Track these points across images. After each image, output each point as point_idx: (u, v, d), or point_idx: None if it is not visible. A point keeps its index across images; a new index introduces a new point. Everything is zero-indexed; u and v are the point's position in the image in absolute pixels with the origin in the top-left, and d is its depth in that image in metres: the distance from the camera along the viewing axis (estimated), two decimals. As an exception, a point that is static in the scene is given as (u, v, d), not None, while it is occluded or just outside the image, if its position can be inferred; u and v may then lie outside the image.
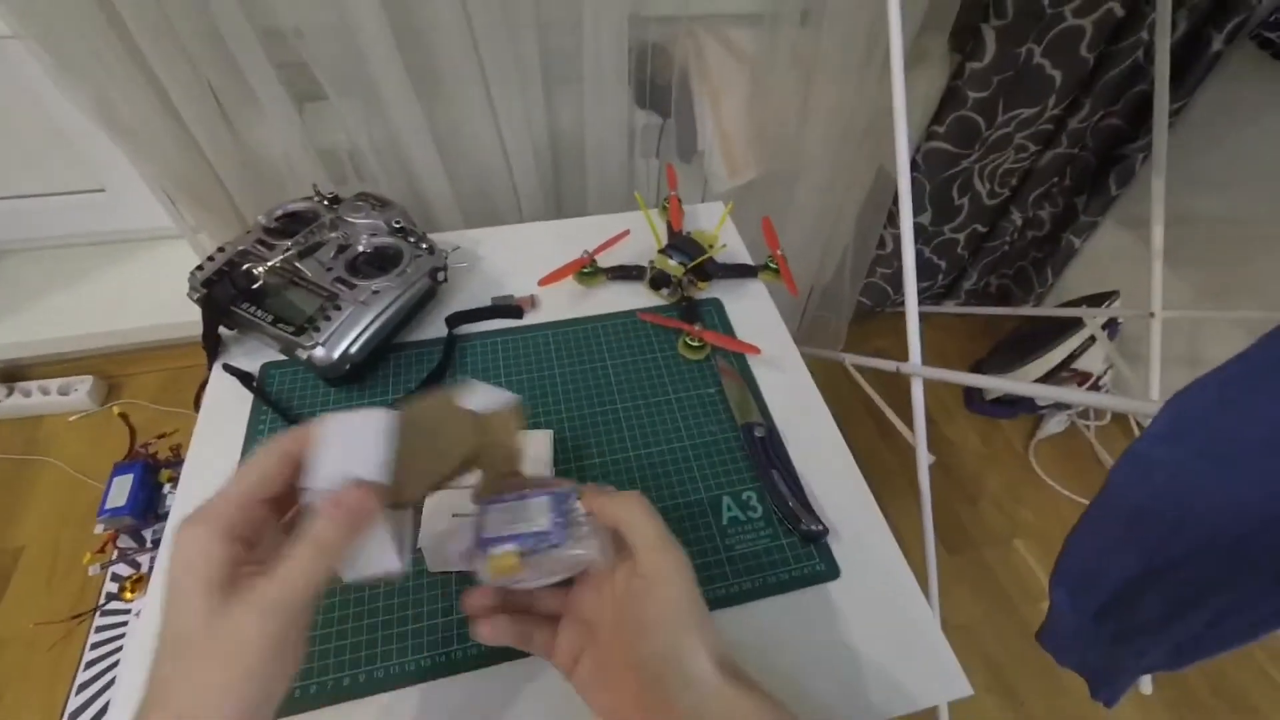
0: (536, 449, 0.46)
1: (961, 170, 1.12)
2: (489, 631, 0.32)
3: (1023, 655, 1.00)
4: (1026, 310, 1.28)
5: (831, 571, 0.46)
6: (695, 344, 0.57)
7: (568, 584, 0.34)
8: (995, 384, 0.65)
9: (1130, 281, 1.11)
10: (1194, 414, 0.37)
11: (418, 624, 0.41)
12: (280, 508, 0.29)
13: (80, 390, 1.09)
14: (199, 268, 0.54)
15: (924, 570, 0.79)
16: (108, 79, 0.63)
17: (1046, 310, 1.21)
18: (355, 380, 0.54)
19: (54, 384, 1.09)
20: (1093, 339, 1.09)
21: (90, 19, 0.58)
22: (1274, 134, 0.98)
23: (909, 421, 0.76)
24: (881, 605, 0.44)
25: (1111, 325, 1.13)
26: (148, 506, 0.80)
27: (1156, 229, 0.87)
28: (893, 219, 1.19)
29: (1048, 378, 1.14)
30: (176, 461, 0.86)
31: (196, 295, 0.53)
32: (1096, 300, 1.13)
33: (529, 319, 0.61)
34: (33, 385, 1.09)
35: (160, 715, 0.23)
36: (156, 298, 1.08)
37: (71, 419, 1.09)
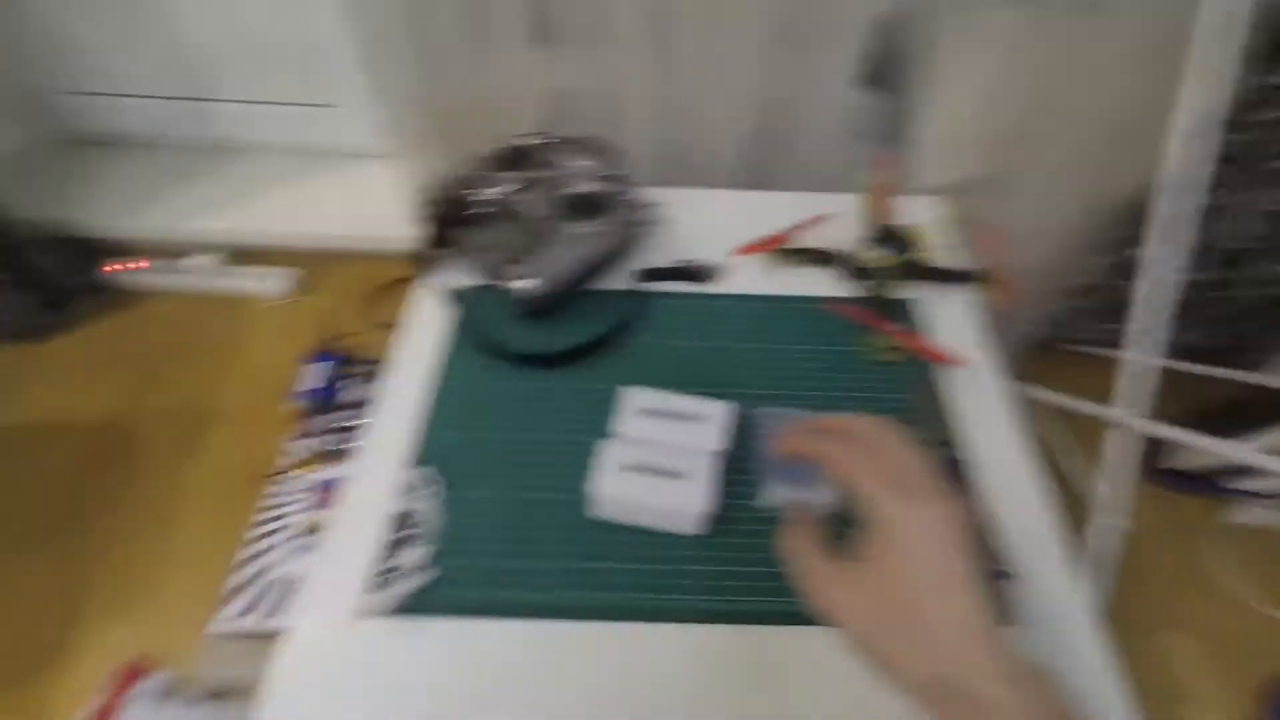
0: (713, 421, 0.45)
1: (1217, 200, 0.95)
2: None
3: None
4: (1262, 377, 1.08)
5: (1008, 617, 0.41)
6: (889, 345, 0.53)
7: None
8: (1225, 450, 0.54)
9: None
10: None
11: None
12: None
13: (282, 280, 1.23)
14: (428, 187, 0.58)
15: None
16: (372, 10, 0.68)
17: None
18: (546, 315, 0.56)
19: (262, 271, 1.24)
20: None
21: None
22: None
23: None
24: (1062, 663, 0.40)
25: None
26: (329, 396, 0.89)
27: None
28: (1117, 246, 1.04)
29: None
30: (356, 360, 0.96)
31: (422, 214, 0.57)
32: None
33: (714, 286, 0.60)
34: (246, 270, 1.25)
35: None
36: (360, 211, 1.20)
37: (271, 305, 1.24)
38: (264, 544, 0.77)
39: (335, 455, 0.89)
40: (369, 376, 0.99)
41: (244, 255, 1.29)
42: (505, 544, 0.43)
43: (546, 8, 0.70)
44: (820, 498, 0.44)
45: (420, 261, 0.59)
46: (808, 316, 0.57)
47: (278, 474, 0.81)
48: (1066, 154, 0.81)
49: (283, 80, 1.17)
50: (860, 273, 0.58)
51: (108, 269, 1.21)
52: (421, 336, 0.55)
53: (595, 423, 0.49)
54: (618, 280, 0.59)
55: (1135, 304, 0.60)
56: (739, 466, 0.47)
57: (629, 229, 0.58)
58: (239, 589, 0.73)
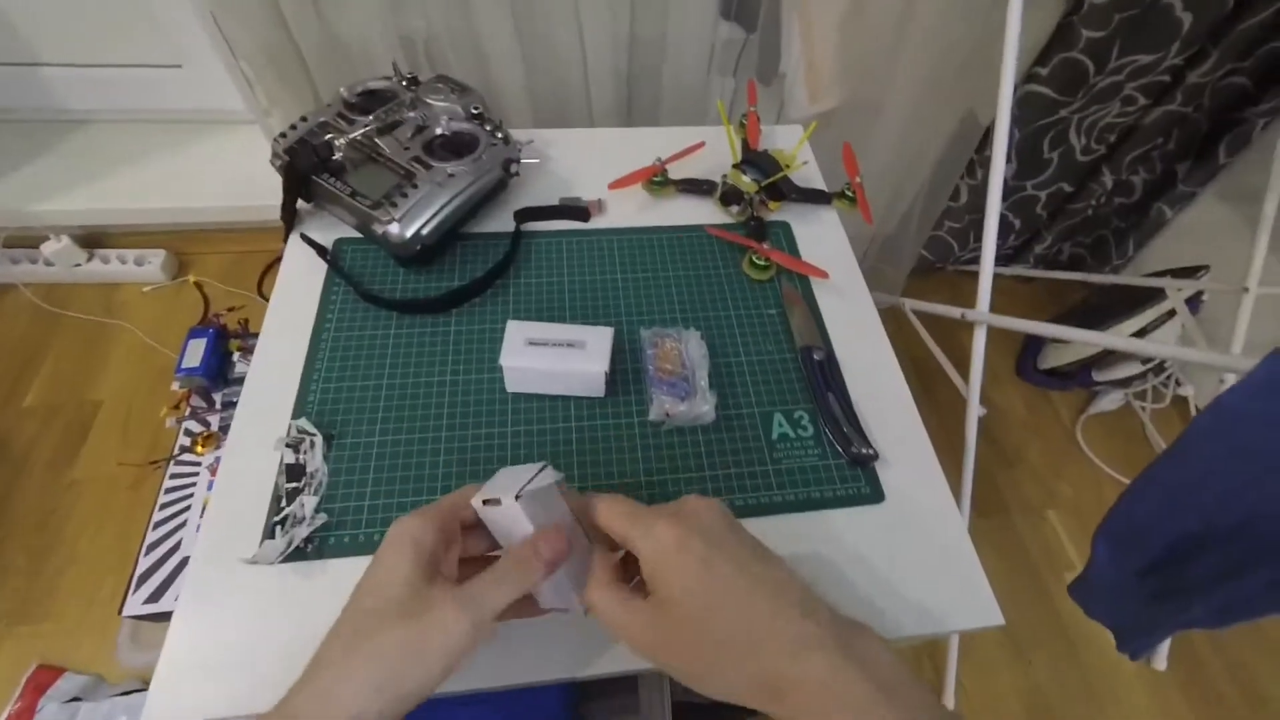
0: (597, 345, 0.47)
1: (1058, 120, 1.04)
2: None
3: (1038, 621, 1.01)
4: (1106, 278, 1.20)
5: (876, 495, 0.46)
6: (761, 263, 0.56)
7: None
8: (1072, 335, 0.62)
9: (1222, 259, 1.03)
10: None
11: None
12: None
13: (154, 263, 1.14)
14: (282, 135, 0.55)
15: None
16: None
17: (1127, 279, 1.14)
18: (425, 262, 0.55)
19: (130, 254, 1.15)
20: (1171, 313, 1.04)
21: None
22: None
23: (964, 373, 0.74)
24: (922, 532, 0.45)
25: (1195, 300, 1.07)
26: (219, 371, 0.85)
27: (1271, 199, 0.80)
28: (972, 169, 1.13)
29: (1117, 352, 1.10)
30: (244, 334, 0.91)
31: (279, 161, 0.54)
32: (1183, 274, 1.06)
33: (595, 222, 0.60)
34: (111, 253, 1.15)
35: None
36: (227, 180, 1.11)
37: (145, 289, 1.15)
38: (170, 526, 0.74)
39: (234, 433, 0.85)
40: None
41: (109, 238, 1.18)
42: (394, 484, 0.44)
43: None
44: (699, 408, 0.48)
45: (287, 214, 0.57)
46: (685, 243, 0.59)
47: (175, 456, 0.78)
48: (921, 81, 0.86)
49: (125, 40, 1.06)
50: (730, 198, 0.60)
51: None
52: (295, 295, 0.54)
53: (481, 361, 0.50)
54: (496, 221, 0.59)
55: (987, 217, 0.66)
56: (625, 387, 0.49)
57: (503, 168, 0.57)
58: (148, 573, 0.70)
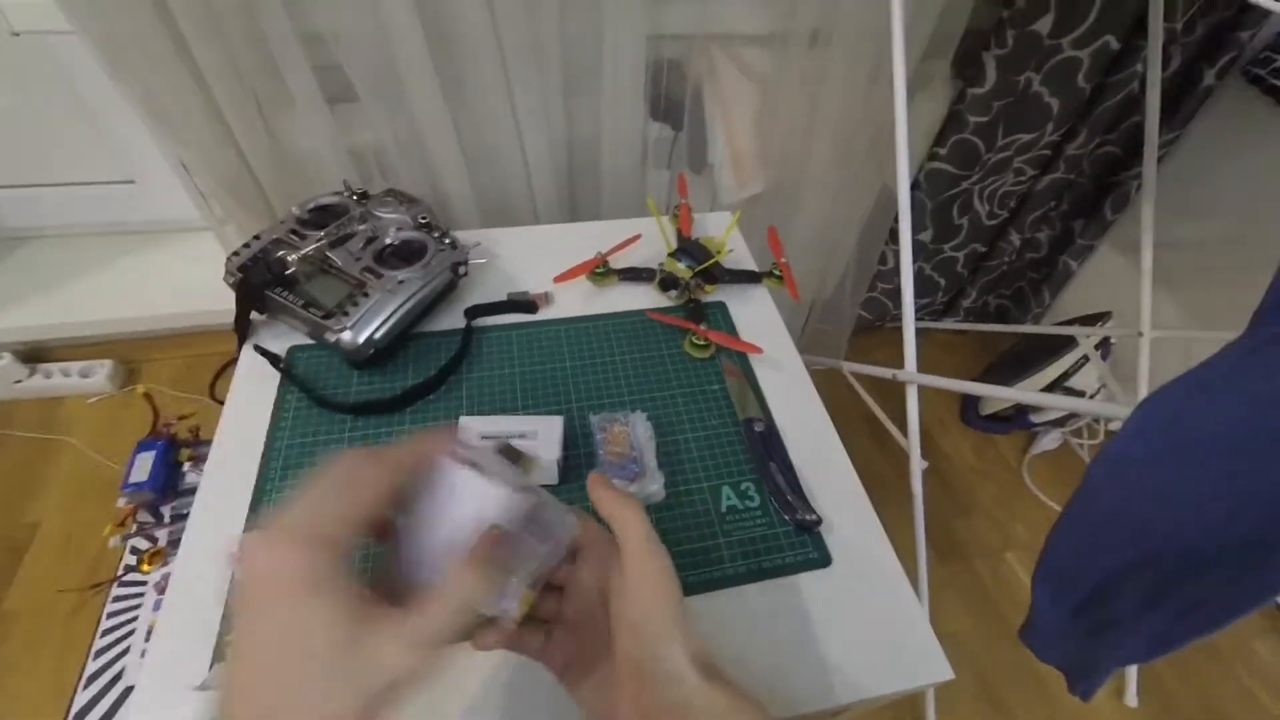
0: (549, 434, 0.49)
1: (962, 191, 1.15)
2: (484, 641, 0.30)
3: (1010, 665, 1.02)
4: (1022, 328, 1.31)
5: (823, 559, 0.48)
6: (701, 343, 0.60)
7: (558, 590, 0.34)
8: (985, 391, 0.68)
9: (1123, 303, 1.14)
10: (1164, 415, 0.39)
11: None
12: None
13: (100, 373, 1.12)
14: (235, 253, 0.58)
15: (915, 573, 0.81)
16: (155, 75, 0.67)
17: (1042, 328, 1.24)
18: (377, 364, 0.57)
19: (75, 366, 1.12)
20: (1085, 358, 1.12)
21: (143, 18, 0.62)
22: (1261, 167, 1.01)
23: (904, 429, 0.78)
24: (870, 593, 0.47)
25: (1104, 345, 1.16)
26: (167, 483, 0.83)
27: (1146, 252, 0.90)
28: (894, 236, 1.23)
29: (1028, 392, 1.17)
30: (196, 442, 0.90)
31: (233, 279, 0.56)
32: (1090, 320, 1.16)
33: (543, 314, 0.64)
34: (54, 367, 1.12)
35: None
36: (178, 287, 1.12)
37: (91, 401, 1.12)
38: (112, 653, 0.70)
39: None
40: (213, 459, 0.93)
41: (52, 352, 1.16)
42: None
43: (340, 72, 0.72)
44: (648, 488, 0.50)
45: (240, 328, 0.59)
46: (628, 328, 0.63)
47: (119, 577, 0.74)
48: (834, 163, 0.95)
49: (77, 159, 1.09)
50: (668, 283, 0.65)
51: None
52: (248, 404, 0.55)
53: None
54: (448, 319, 0.62)
55: (902, 281, 0.72)
56: (578, 471, 0.51)
57: (452, 270, 0.61)
58: (88, 709, 0.65)
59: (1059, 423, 1.31)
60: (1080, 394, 1.19)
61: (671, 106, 0.91)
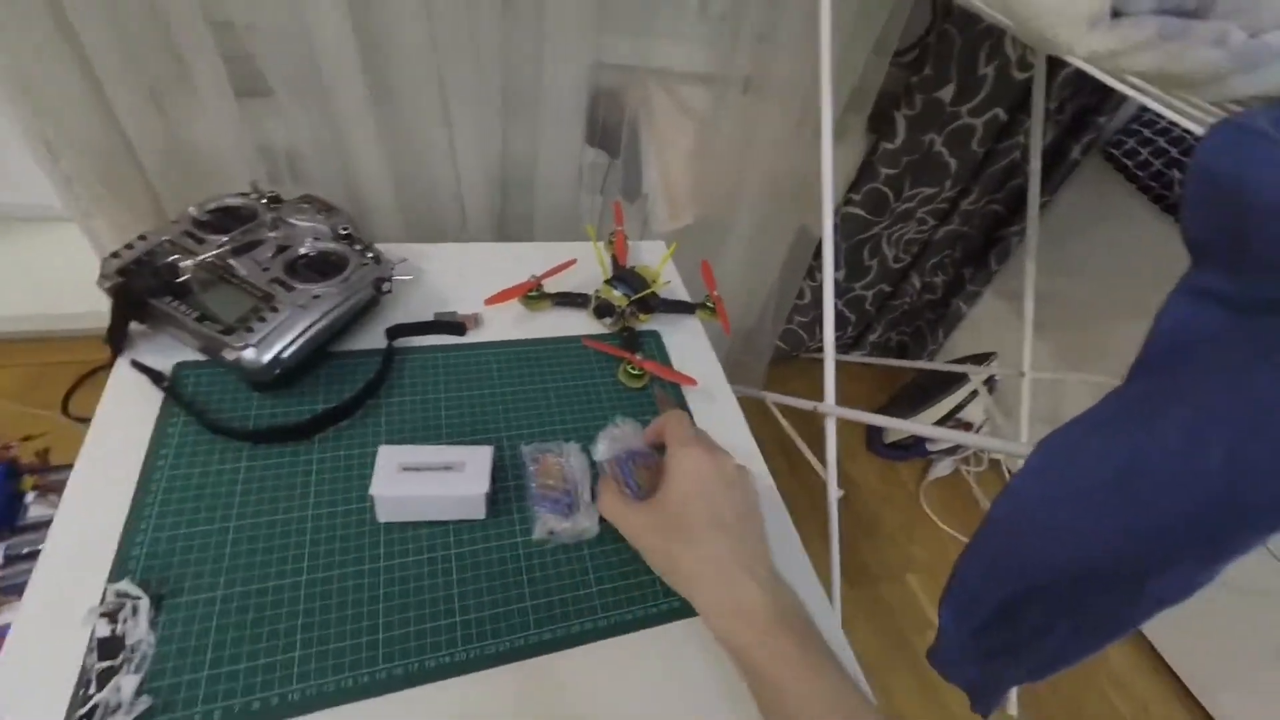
0: (477, 465, 0.46)
1: (872, 235, 1.24)
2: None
3: (916, 685, 1.07)
4: (922, 364, 1.42)
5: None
6: (636, 373, 0.60)
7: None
8: (901, 425, 0.72)
9: (1006, 345, 1.26)
10: (1058, 455, 0.43)
11: (340, 642, 0.40)
12: None
13: (-82, 382, 0.94)
14: (115, 254, 0.51)
15: (830, 599, 0.84)
16: (21, 36, 0.58)
17: (938, 365, 1.35)
18: (283, 386, 0.52)
19: (-117, 372, 0.94)
20: (975, 393, 1.23)
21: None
22: (1116, 233, 1.17)
23: (821, 458, 0.82)
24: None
25: (991, 381, 1.28)
26: (3, 518, 0.70)
27: (1028, 302, 1.00)
28: (811, 273, 1.30)
29: (937, 425, 1.27)
30: (44, 468, 0.77)
31: (110, 283, 0.49)
32: (979, 359, 1.27)
33: (471, 337, 0.61)
34: None
35: None
36: (29, 283, 0.97)
37: (-97, 414, 0.94)
38: None
39: (21, 591, 0.69)
40: (63, 486, 0.80)
41: None
42: (240, 644, 0.38)
43: (251, 63, 0.67)
44: (581, 523, 0.48)
45: (114, 340, 0.51)
46: (560, 356, 0.61)
47: None
48: (761, 201, 0.99)
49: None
50: (603, 310, 0.64)
51: None
52: (121, 427, 0.48)
53: (349, 492, 0.47)
54: (367, 338, 0.57)
55: (824, 318, 0.76)
56: (507, 505, 0.48)
57: (375, 286, 0.57)
58: None
59: (950, 451, 1.43)
60: (969, 426, 1.30)
61: (608, 133, 0.91)
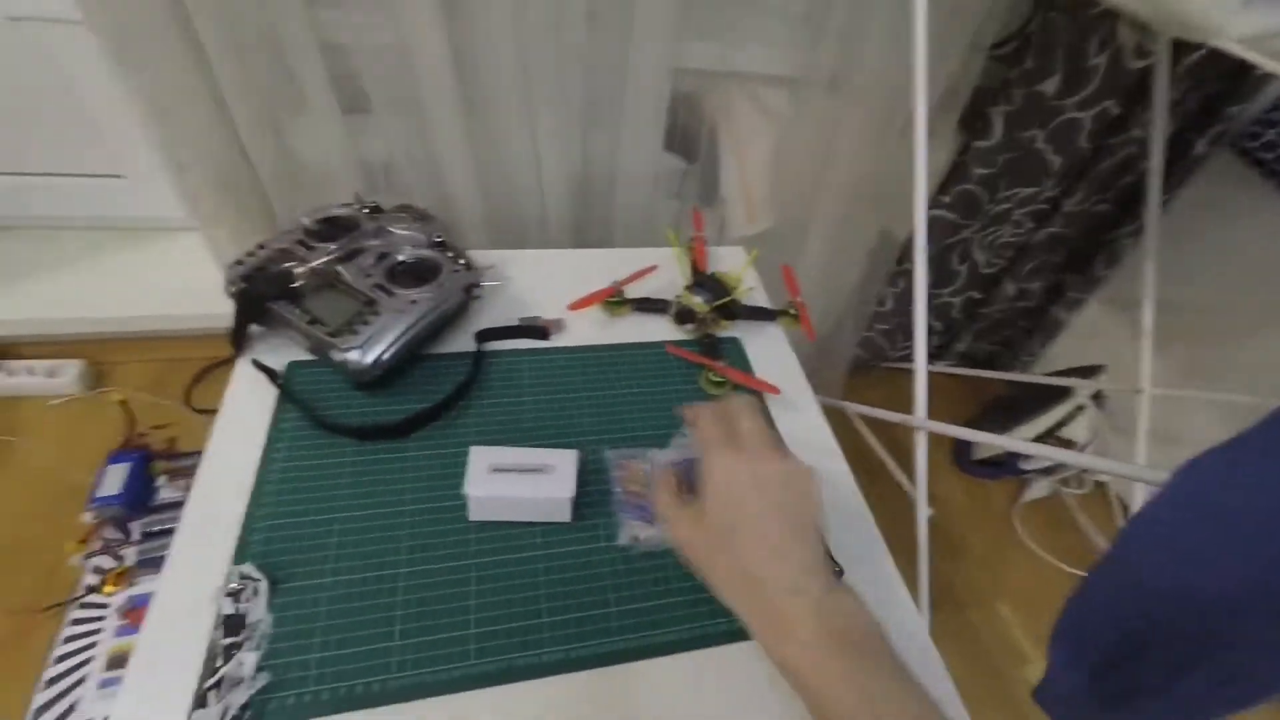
0: (564, 469, 0.47)
1: (961, 239, 1.17)
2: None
3: (1007, 717, 1.00)
4: (1020, 376, 1.32)
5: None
6: (718, 380, 0.59)
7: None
8: (1004, 442, 0.67)
9: (1113, 358, 1.16)
10: (1203, 482, 0.39)
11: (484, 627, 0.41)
12: None
13: (69, 374, 1.06)
14: (239, 261, 0.55)
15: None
16: (162, 68, 0.64)
17: (1039, 378, 1.26)
18: (382, 386, 0.54)
19: (42, 365, 1.06)
20: (1080, 408, 1.14)
21: (156, 10, 0.60)
22: (1245, 236, 1.05)
23: (907, 473, 0.78)
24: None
25: (1099, 397, 1.18)
26: (139, 499, 0.77)
27: (1147, 311, 0.92)
28: (893, 279, 1.24)
29: (1035, 443, 1.18)
30: (172, 454, 0.84)
31: (235, 288, 0.53)
32: (1086, 372, 1.18)
33: (554, 341, 0.62)
34: (20, 365, 1.06)
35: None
36: (157, 287, 1.08)
37: (53, 403, 1.06)
38: (67, 682, 0.63)
39: (156, 565, 0.76)
40: (190, 471, 0.87)
41: (21, 349, 1.10)
42: (346, 630, 0.40)
43: (356, 81, 0.71)
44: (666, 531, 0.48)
45: (237, 340, 0.55)
46: (641, 361, 0.61)
47: (79, 598, 0.68)
48: (842, 205, 0.96)
49: (65, 150, 1.04)
50: (684, 317, 0.64)
51: None
52: (242, 420, 0.51)
53: (443, 489, 0.48)
54: (457, 342, 0.60)
55: (915, 328, 0.72)
56: (592, 510, 0.49)
57: (465, 292, 0.59)
58: None
59: (1048, 471, 1.32)
60: (1071, 444, 1.20)
61: (686, 139, 0.91)
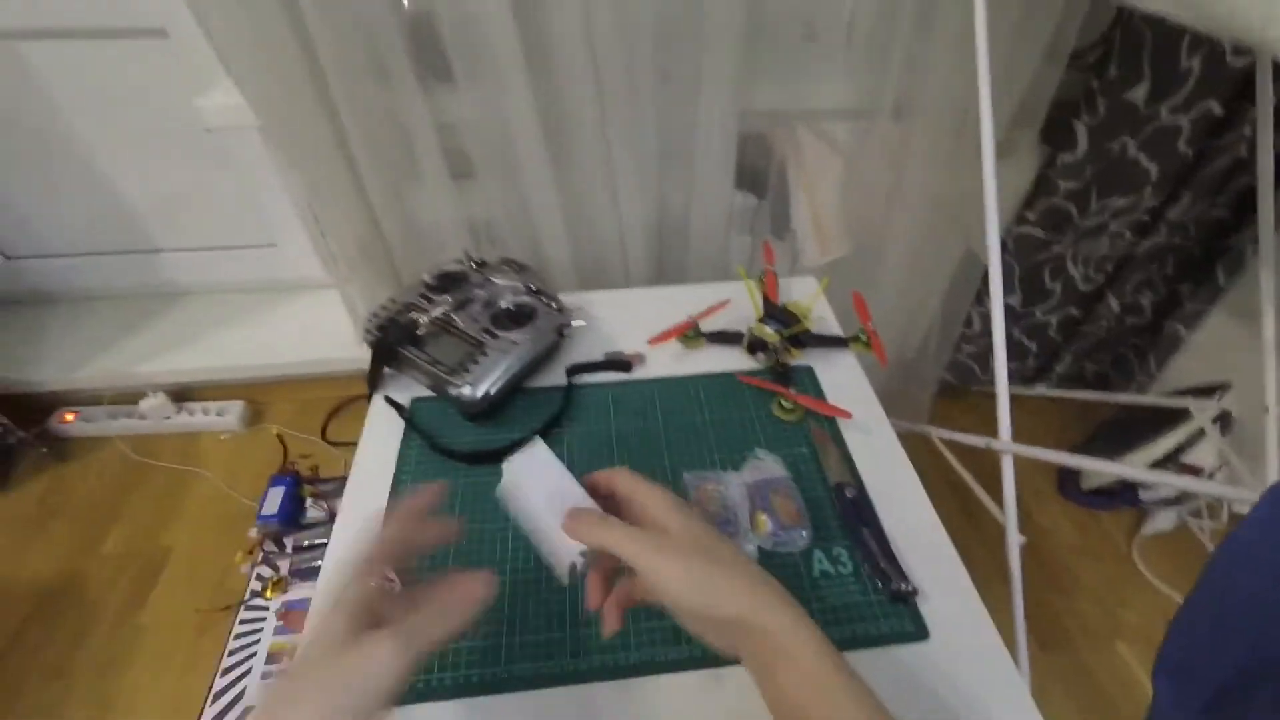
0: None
1: (1053, 255, 1.13)
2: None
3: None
4: (1124, 397, 1.23)
5: (920, 633, 0.47)
6: (789, 406, 0.62)
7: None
8: (1097, 466, 0.65)
9: (1243, 375, 1.06)
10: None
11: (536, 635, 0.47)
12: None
13: (232, 413, 1.26)
14: (374, 314, 0.66)
15: (1014, 657, 0.76)
16: (318, 165, 0.78)
17: (1147, 399, 1.17)
18: (489, 417, 0.62)
19: (213, 406, 1.27)
20: (1202, 432, 1.04)
21: (316, 115, 0.74)
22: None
23: (998, 501, 0.76)
24: (970, 671, 0.45)
25: (1225, 419, 1.08)
26: (292, 517, 0.91)
27: (1268, 319, 0.84)
28: (980, 299, 1.21)
29: (1153, 469, 1.09)
30: (316, 479, 0.98)
31: (372, 337, 0.64)
32: (1206, 392, 1.08)
33: (637, 373, 0.68)
34: (196, 405, 1.27)
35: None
36: (303, 336, 1.26)
37: (222, 437, 1.26)
38: (237, 672, 0.76)
39: (305, 575, 0.89)
40: (331, 494, 1.01)
41: (195, 392, 1.31)
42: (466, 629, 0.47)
43: (463, 153, 0.82)
44: (745, 547, 0.51)
45: (372, 381, 0.66)
46: (717, 389, 0.66)
47: (246, 601, 0.81)
48: (918, 228, 0.96)
49: (229, 226, 1.26)
50: (756, 347, 0.68)
51: (54, 421, 1.21)
52: (377, 449, 0.61)
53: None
54: (551, 376, 0.67)
55: (995, 346, 0.72)
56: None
57: (557, 332, 0.66)
58: (219, 718, 0.71)
59: (1174, 501, 1.21)
60: (1198, 471, 1.10)
61: (756, 175, 0.96)
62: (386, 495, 0.56)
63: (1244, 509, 1.14)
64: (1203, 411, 0.99)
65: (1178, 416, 1.11)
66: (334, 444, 1.19)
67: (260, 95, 0.72)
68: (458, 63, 0.74)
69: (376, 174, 0.82)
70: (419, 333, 0.63)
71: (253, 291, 1.34)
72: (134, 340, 1.27)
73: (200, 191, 1.19)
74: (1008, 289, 1.16)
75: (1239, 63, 0.88)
